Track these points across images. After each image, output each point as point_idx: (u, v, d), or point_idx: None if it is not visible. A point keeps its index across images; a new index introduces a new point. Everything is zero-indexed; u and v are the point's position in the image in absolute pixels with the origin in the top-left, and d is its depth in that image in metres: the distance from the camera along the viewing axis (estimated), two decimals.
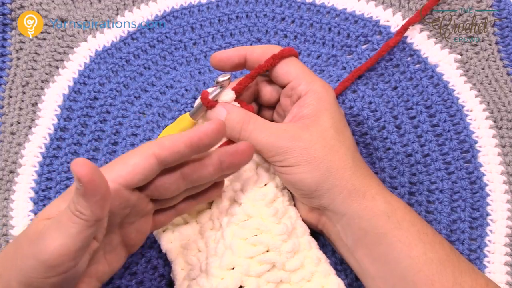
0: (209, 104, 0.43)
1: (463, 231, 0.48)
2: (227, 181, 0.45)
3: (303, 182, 0.40)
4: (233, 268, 0.40)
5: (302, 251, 0.42)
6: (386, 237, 0.39)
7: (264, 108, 0.48)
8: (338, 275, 0.46)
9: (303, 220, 0.44)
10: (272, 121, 0.47)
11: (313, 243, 0.43)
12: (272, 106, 0.47)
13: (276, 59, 0.42)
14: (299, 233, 0.43)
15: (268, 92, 0.46)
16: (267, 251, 0.41)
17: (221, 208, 0.44)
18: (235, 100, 0.44)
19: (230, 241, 0.41)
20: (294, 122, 0.42)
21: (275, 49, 0.43)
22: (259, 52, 0.43)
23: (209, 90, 0.43)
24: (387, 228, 0.39)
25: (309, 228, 0.44)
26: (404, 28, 0.52)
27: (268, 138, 0.41)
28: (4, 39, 0.55)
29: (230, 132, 0.42)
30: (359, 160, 0.42)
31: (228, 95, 0.43)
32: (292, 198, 0.45)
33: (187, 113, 0.44)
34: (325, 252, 0.46)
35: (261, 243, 0.41)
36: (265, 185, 0.43)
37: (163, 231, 0.45)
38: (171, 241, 0.44)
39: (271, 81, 0.45)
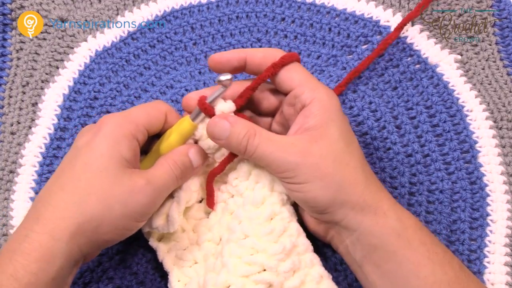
0: (206, 111, 0.40)
1: (463, 232, 0.48)
2: (231, 195, 0.44)
3: (315, 200, 0.39)
4: (228, 287, 0.40)
5: (303, 269, 0.41)
6: (395, 255, 0.38)
7: (261, 116, 0.45)
8: (338, 276, 0.46)
9: (311, 231, 0.43)
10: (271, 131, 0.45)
11: (316, 259, 0.42)
12: (270, 114, 0.45)
13: (277, 67, 0.41)
14: (301, 251, 0.42)
15: (266, 99, 0.44)
16: (264, 270, 0.40)
17: (222, 221, 0.44)
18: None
19: (227, 259, 0.41)
20: (300, 134, 0.40)
21: (276, 53, 0.41)
22: (260, 56, 0.41)
23: (208, 93, 0.41)
24: (397, 246, 0.38)
25: (315, 237, 0.43)
26: (403, 24, 0.52)
27: (276, 153, 0.38)
28: (4, 39, 0.55)
29: (236, 146, 0.40)
30: (369, 172, 0.40)
31: (228, 105, 0.41)
32: (298, 210, 0.44)
33: (188, 116, 0.42)
34: (325, 253, 0.46)
35: (256, 263, 0.40)
36: (262, 203, 0.42)
37: (159, 240, 0.44)
38: (167, 250, 0.44)
39: (269, 88, 0.44)
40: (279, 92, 0.43)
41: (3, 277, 0.35)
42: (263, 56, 0.41)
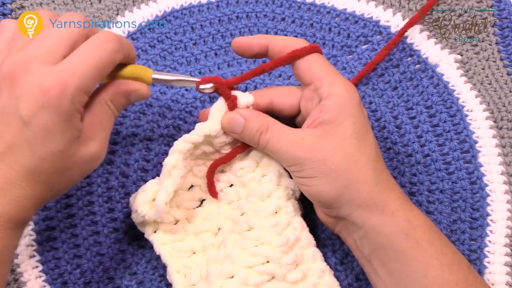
0: (228, 97, 0.42)
1: (463, 232, 0.48)
2: (229, 184, 0.45)
3: (320, 195, 0.39)
4: (232, 277, 0.40)
5: (305, 263, 0.42)
6: (402, 255, 0.38)
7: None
8: (339, 276, 0.46)
9: (322, 222, 0.43)
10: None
11: (318, 254, 0.43)
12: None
13: (294, 57, 0.41)
14: (303, 245, 0.42)
15: (287, 105, 0.43)
16: (267, 262, 0.41)
17: (220, 211, 0.44)
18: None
19: (230, 250, 0.41)
20: (313, 128, 0.40)
21: (299, 42, 0.41)
22: (282, 45, 0.41)
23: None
24: (404, 247, 0.38)
25: (316, 235, 0.44)
26: (405, 28, 0.52)
27: (286, 148, 0.40)
28: None
29: (250, 140, 0.42)
30: (380, 170, 0.40)
31: (248, 98, 0.42)
32: (303, 204, 0.44)
33: (151, 71, 0.42)
34: (325, 252, 0.46)
35: (260, 254, 0.41)
36: (269, 196, 0.43)
37: (154, 232, 0.44)
38: (163, 242, 0.44)
39: (287, 94, 0.43)
40: (297, 97, 0.43)
41: None
42: (284, 44, 0.41)
